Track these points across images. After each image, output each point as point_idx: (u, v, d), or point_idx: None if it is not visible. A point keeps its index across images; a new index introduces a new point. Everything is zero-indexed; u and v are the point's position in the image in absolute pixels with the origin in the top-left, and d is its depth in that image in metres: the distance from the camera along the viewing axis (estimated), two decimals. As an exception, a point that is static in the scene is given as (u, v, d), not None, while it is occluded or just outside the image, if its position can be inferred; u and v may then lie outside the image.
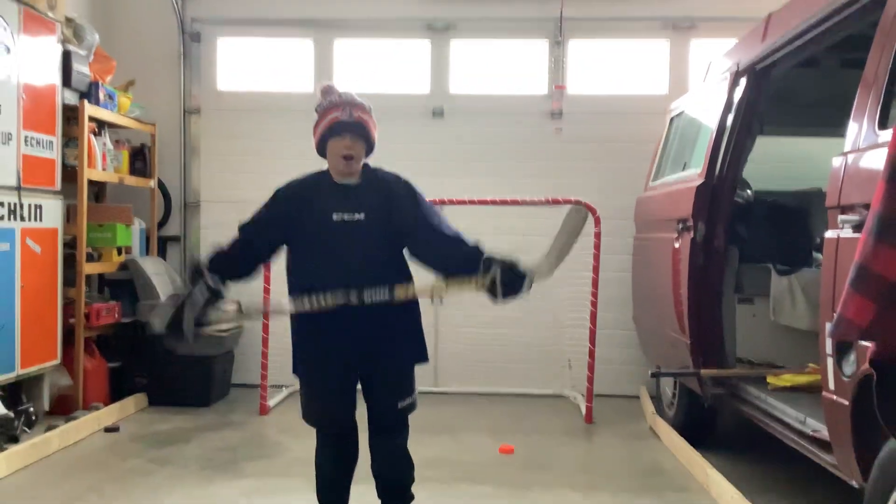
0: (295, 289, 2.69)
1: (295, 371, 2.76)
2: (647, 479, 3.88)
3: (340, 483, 2.79)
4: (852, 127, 2.68)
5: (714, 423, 4.45)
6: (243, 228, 2.72)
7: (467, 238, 2.67)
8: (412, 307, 2.71)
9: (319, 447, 2.80)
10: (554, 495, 3.58)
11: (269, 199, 2.75)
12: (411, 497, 2.84)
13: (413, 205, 2.70)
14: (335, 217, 2.63)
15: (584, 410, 5.10)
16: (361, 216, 2.63)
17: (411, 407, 2.74)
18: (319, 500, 2.83)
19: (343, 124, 2.61)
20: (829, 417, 2.66)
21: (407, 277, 2.71)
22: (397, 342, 2.69)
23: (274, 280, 5.04)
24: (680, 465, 4.07)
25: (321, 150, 2.70)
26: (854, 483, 2.59)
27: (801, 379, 3.68)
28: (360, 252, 2.62)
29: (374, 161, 2.78)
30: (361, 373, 2.70)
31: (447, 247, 2.66)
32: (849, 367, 2.47)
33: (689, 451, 4.03)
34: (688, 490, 3.69)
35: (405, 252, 2.73)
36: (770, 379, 3.78)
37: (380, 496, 2.83)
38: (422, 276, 2.74)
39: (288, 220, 2.67)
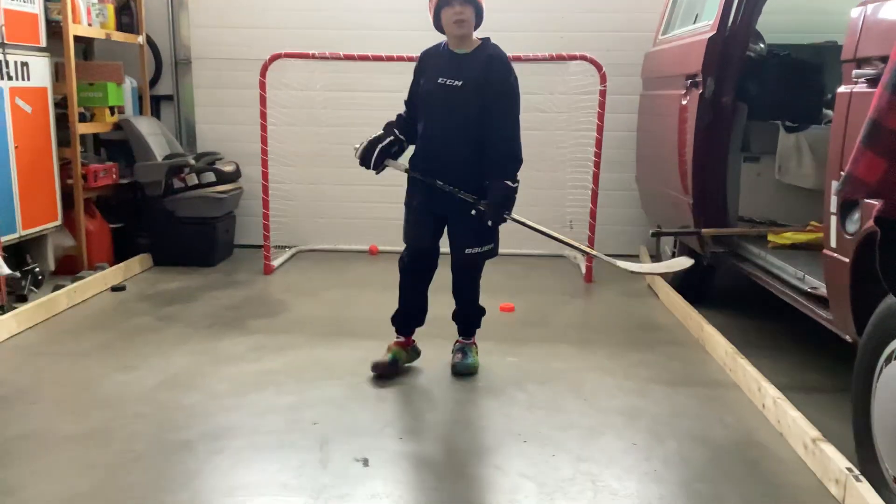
0: (416, 146, 3.22)
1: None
2: (642, 333, 3.98)
3: (416, 289, 3.35)
4: (876, -27, 2.52)
5: (712, 283, 4.51)
6: (407, 103, 3.26)
7: (503, 156, 3.10)
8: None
9: (406, 261, 3.33)
10: (550, 349, 3.69)
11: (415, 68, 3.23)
12: (475, 323, 3.42)
13: (497, 94, 3.06)
14: (439, 80, 3.09)
15: (584, 270, 5.16)
16: (460, 83, 3.06)
17: (480, 255, 3.26)
18: (399, 302, 3.37)
19: None
20: (829, 274, 2.68)
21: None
22: (466, 203, 3.12)
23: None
24: (676, 321, 4.16)
25: (437, 24, 3.11)
26: (847, 338, 2.65)
27: (802, 237, 3.70)
28: (452, 116, 3.08)
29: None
30: (440, 216, 3.22)
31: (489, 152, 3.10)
32: (852, 224, 2.46)
33: (686, 308, 4.10)
34: (682, 344, 3.79)
35: None
36: (771, 237, 3.80)
37: (453, 318, 3.43)
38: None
39: (420, 85, 3.17)
